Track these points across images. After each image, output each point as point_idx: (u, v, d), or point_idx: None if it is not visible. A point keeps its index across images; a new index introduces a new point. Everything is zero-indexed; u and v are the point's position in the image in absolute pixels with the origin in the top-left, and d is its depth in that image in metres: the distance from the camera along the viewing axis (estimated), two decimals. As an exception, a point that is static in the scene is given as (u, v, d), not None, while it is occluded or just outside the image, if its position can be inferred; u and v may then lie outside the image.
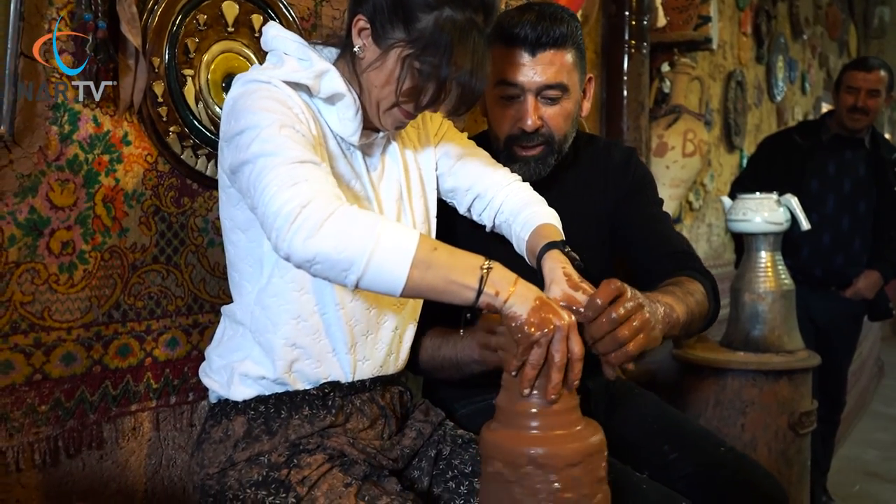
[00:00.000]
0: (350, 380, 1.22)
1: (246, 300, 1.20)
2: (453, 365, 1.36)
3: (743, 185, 2.94)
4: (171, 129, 1.34)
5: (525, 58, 1.40)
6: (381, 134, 1.24)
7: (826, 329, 2.97)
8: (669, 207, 2.70)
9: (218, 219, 1.24)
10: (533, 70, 1.40)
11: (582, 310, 1.07)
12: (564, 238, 1.26)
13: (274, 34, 1.18)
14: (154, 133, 1.33)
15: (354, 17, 1.14)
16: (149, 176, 1.33)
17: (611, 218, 1.57)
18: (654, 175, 1.74)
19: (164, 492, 1.38)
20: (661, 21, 2.70)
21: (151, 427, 1.36)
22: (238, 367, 1.19)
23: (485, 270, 1.00)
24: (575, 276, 1.14)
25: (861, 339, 3.49)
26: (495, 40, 1.40)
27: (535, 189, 1.40)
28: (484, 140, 1.49)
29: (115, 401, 1.30)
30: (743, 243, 2.49)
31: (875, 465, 3.93)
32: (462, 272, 1.00)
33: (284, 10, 1.50)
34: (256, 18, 1.45)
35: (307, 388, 1.19)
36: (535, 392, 1.01)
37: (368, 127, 1.21)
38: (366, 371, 1.23)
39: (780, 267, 2.39)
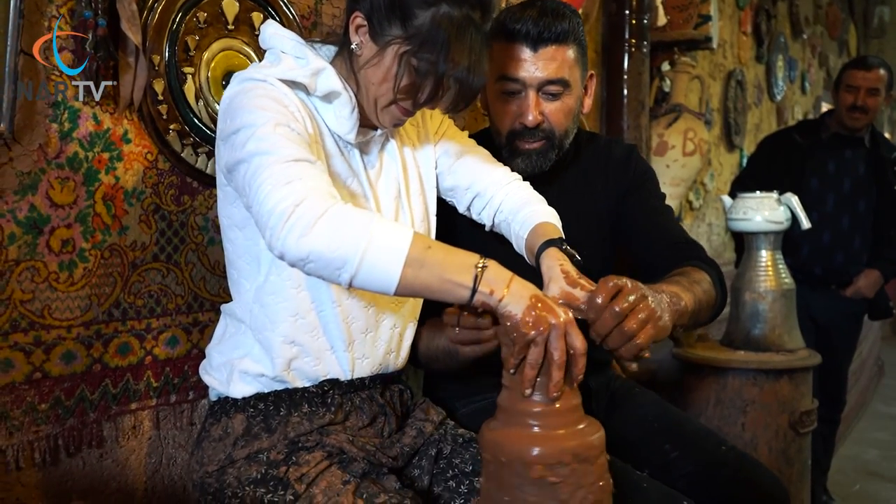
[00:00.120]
0: (349, 378, 1.22)
1: (245, 298, 1.20)
2: (447, 354, 1.35)
3: (743, 184, 2.94)
4: (172, 127, 1.34)
5: (526, 53, 1.40)
6: (379, 132, 1.24)
7: (826, 328, 2.97)
8: (669, 207, 2.69)
9: (218, 217, 1.24)
10: (534, 65, 1.40)
11: (583, 307, 1.07)
12: (563, 236, 1.26)
13: (272, 32, 1.18)
14: (154, 131, 1.33)
15: (352, 14, 1.14)
16: (149, 174, 1.33)
17: (612, 214, 1.57)
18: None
19: (164, 490, 1.37)
20: (662, 20, 2.70)
21: (151, 426, 1.35)
22: (238, 364, 1.19)
23: (479, 269, 0.99)
24: (573, 272, 1.14)
25: (861, 338, 3.49)
26: (497, 36, 1.40)
27: (537, 185, 1.40)
28: (484, 138, 1.49)
29: (115, 399, 1.29)
30: (743, 242, 2.49)
31: (875, 464, 3.93)
32: (456, 271, 0.99)
33: (285, 7, 1.50)
34: (256, 16, 1.45)
35: (306, 385, 1.19)
36: (536, 391, 1.01)
37: (366, 125, 1.21)
38: (365, 369, 1.23)
39: (780, 266, 2.39)
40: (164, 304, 1.36)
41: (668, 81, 2.83)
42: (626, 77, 2.58)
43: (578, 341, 0.99)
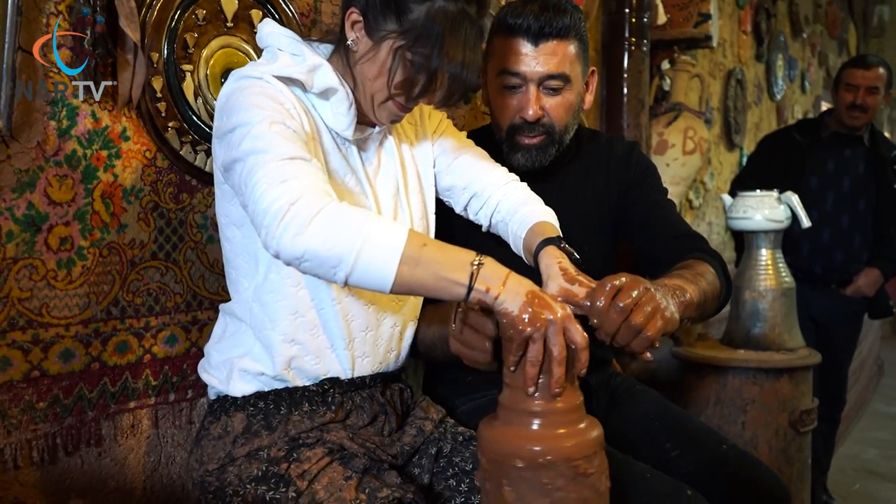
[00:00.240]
0: (349, 376, 1.21)
1: (244, 297, 1.20)
2: (444, 340, 1.34)
3: (743, 182, 2.94)
4: (170, 124, 1.34)
5: (528, 48, 1.40)
6: (377, 129, 1.24)
7: (826, 327, 2.97)
8: (669, 205, 2.69)
9: (216, 215, 1.23)
10: (535, 60, 1.40)
11: (583, 303, 1.06)
12: (561, 235, 1.26)
13: (269, 30, 1.18)
14: (153, 129, 1.32)
15: (347, 10, 1.14)
16: (147, 172, 1.33)
17: (615, 210, 1.57)
18: (655, 171, 1.74)
19: (162, 489, 1.37)
20: (662, 18, 2.70)
21: (150, 424, 1.35)
22: (238, 363, 1.19)
23: (475, 266, 0.99)
24: (571, 269, 1.13)
25: (861, 337, 3.49)
26: (498, 30, 1.40)
27: (538, 181, 1.39)
28: (483, 136, 1.48)
29: (113, 398, 1.29)
30: (743, 241, 2.49)
31: (875, 463, 3.93)
32: (452, 268, 0.99)
33: (284, 5, 1.49)
34: (256, 14, 1.45)
35: (306, 384, 1.19)
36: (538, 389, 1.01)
37: (363, 122, 1.21)
38: (365, 368, 1.23)
39: (780, 265, 2.39)
40: (162, 303, 1.35)
41: (667, 80, 2.82)
42: (625, 75, 2.58)
43: (579, 336, 0.98)
